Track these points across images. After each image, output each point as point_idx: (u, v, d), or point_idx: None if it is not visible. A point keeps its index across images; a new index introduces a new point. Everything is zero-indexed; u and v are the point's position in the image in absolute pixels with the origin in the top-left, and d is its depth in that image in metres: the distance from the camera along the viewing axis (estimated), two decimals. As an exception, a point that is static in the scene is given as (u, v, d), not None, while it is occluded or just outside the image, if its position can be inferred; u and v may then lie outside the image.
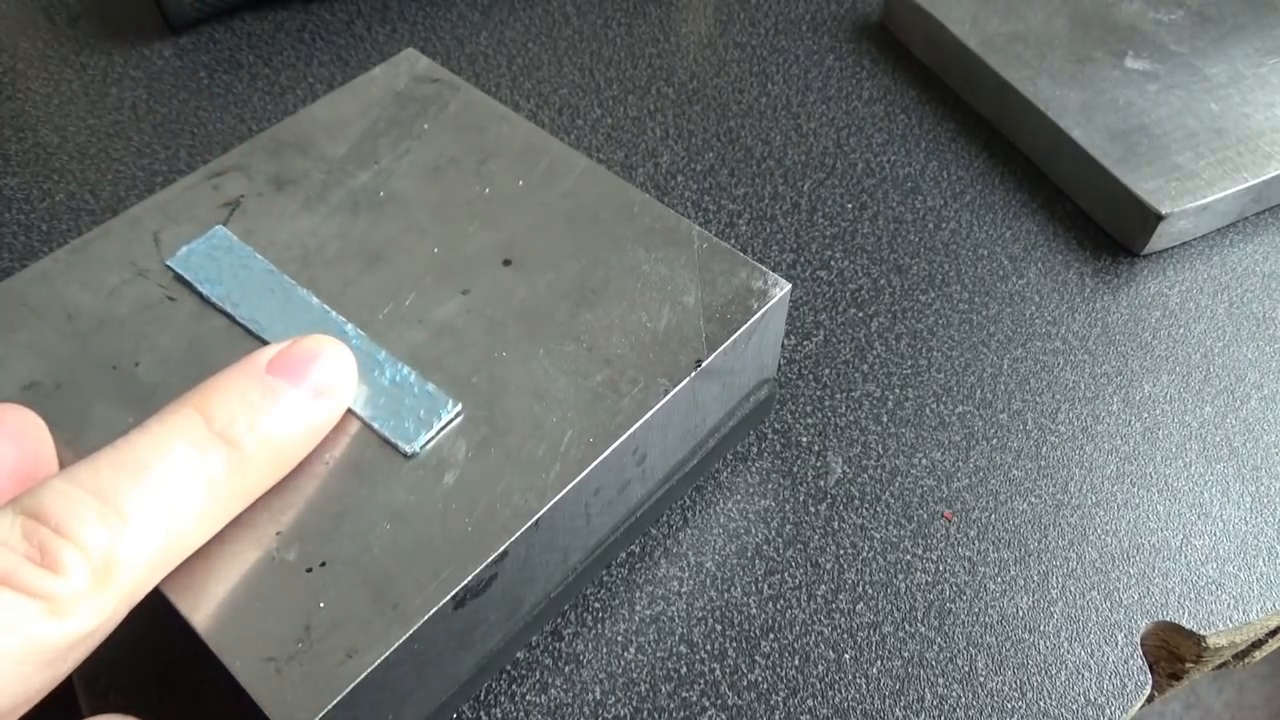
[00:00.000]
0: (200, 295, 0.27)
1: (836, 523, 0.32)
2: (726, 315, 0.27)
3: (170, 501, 0.20)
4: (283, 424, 0.22)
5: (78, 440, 0.24)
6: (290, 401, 0.22)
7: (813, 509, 0.32)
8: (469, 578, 0.22)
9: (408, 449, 0.24)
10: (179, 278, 0.28)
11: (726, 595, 0.30)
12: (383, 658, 0.21)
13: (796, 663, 0.29)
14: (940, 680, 0.29)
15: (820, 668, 0.29)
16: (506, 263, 0.28)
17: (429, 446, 0.24)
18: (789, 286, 0.28)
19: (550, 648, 0.29)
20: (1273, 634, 0.34)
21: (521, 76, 0.46)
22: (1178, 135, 0.40)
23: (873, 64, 0.47)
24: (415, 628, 0.22)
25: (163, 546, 0.20)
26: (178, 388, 0.24)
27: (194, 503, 0.21)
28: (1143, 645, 0.30)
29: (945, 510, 0.32)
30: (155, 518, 0.20)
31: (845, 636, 0.29)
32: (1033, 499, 0.33)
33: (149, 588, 0.21)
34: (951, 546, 0.31)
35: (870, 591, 0.30)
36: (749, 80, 0.46)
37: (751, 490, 0.32)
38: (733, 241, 0.39)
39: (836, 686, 0.29)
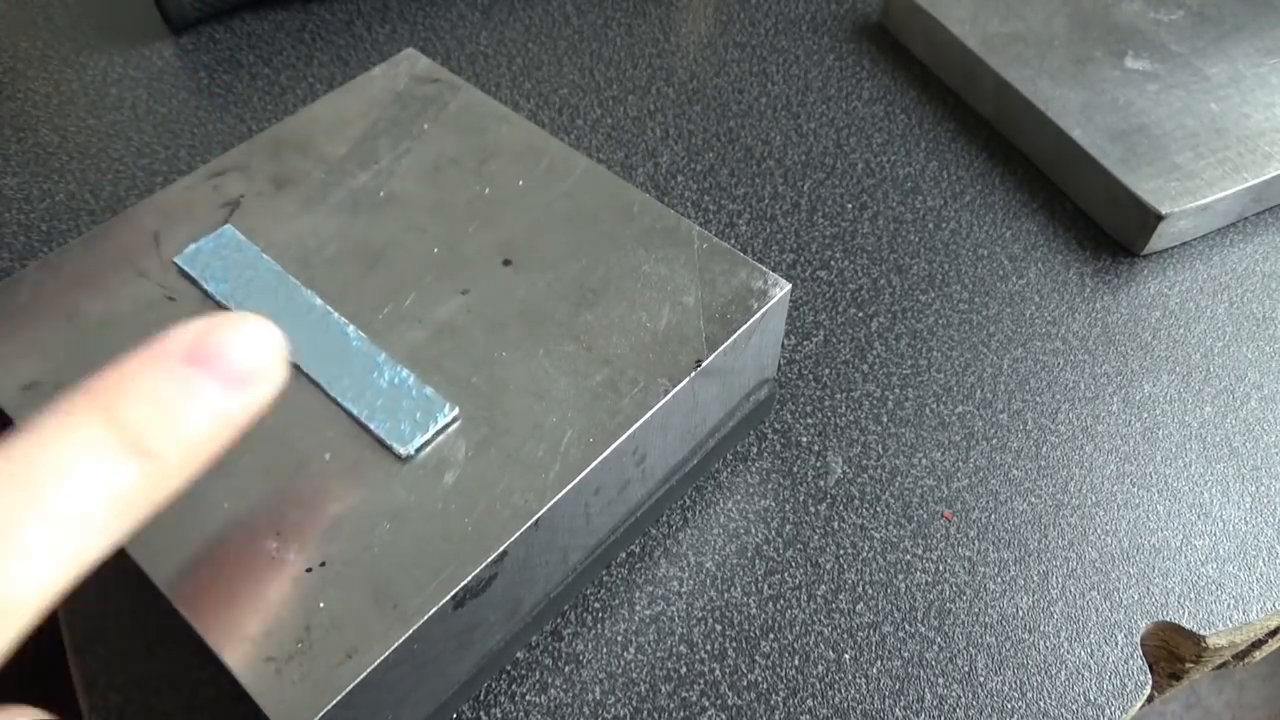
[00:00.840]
0: (204, 292, 0.27)
1: (836, 523, 0.32)
2: (726, 315, 0.27)
3: (69, 528, 0.17)
4: (205, 424, 0.18)
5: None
6: (212, 397, 0.18)
7: (813, 509, 0.32)
8: (469, 578, 0.22)
9: (402, 451, 0.24)
10: (183, 274, 0.28)
11: (726, 595, 0.30)
12: (382, 658, 0.21)
13: (796, 663, 0.29)
14: (940, 680, 0.29)
15: (820, 668, 0.29)
16: (506, 263, 0.28)
17: (427, 448, 0.24)
18: (789, 286, 0.28)
19: (550, 648, 0.29)
20: (1273, 634, 0.34)
21: (521, 76, 0.46)
22: (1178, 135, 0.40)
23: (873, 64, 0.47)
24: (415, 628, 0.22)
25: (60, 576, 0.17)
26: (178, 388, 0.24)
27: (98, 523, 0.17)
28: (1143, 645, 0.30)
29: (945, 510, 0.32)
30: (52, 549, 0.17)
31: (845, 636, 0.29)
32: (1033, 499, 0.33)
33: (44, 615, 0.18)
34: (951, 546, 0.31)
35: (870, 591, 0.30)
36: (749, 80, 0.46)
37: (751, 490, 0.32)
38: (733, 241, 0.39)
39: (836, 686, 0.29)
